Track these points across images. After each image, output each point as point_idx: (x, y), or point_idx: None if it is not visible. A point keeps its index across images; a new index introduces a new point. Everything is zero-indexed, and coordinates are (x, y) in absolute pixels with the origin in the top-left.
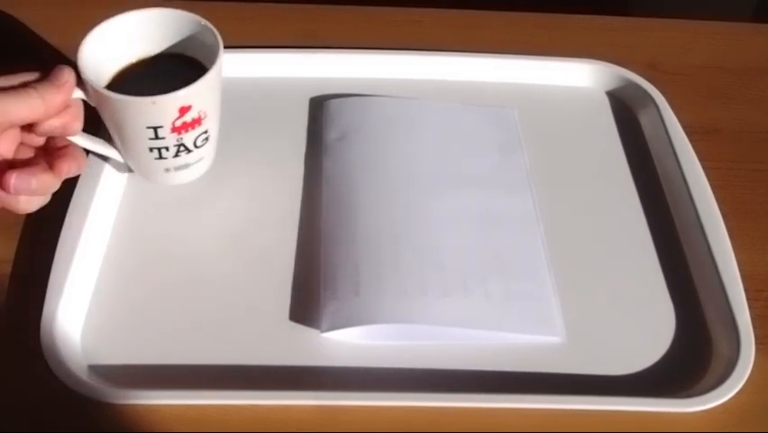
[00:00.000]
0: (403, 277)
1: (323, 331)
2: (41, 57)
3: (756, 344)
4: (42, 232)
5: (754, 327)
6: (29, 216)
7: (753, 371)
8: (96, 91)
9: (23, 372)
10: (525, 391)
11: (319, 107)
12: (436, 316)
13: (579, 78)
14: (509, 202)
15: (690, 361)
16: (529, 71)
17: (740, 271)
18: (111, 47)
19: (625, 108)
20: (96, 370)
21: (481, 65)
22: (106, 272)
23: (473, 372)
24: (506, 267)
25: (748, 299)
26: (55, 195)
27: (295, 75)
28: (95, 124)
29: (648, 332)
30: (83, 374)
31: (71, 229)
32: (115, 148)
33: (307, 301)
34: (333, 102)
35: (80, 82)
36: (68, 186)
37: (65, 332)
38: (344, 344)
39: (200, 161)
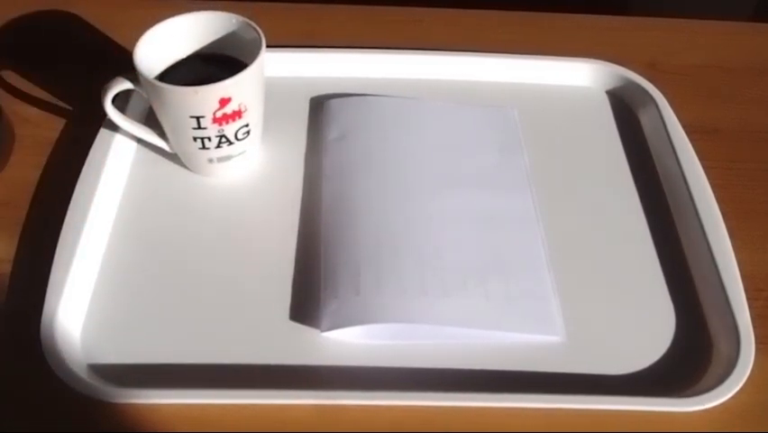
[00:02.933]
0: (403, 277)
1: (323, 330)
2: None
3: (756, 343)
4: (42, 232)
5: (754, 327)
6: (29, 215)
7: (753, 370)
8: (147, 82)
9: (23, 371)
10: (525, 390)
11: (319, 107)
12: (436, 315)
13: (579, 78)
14: (509, 202)
15: (690, 361)
16: (529, 71)
17: (740, 270)
18: (164, 45)
19: (625, 108)
20: (96, 369)
21: (481, 65)
22: (106, 272)
23: (473, 372)
24: (506, 266)
25: (748, 298)
26: (56, 195)
27: (295, 75)
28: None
29: (648, 332)
30: (83, 373)
31: (71, 229)
32: (165, 139)
33: (307, 301)
34: (334, 102)
35: (136, 75)
36: (68, 186)
37: (65, 331)
38: (344, 343)
39: (242, 155)
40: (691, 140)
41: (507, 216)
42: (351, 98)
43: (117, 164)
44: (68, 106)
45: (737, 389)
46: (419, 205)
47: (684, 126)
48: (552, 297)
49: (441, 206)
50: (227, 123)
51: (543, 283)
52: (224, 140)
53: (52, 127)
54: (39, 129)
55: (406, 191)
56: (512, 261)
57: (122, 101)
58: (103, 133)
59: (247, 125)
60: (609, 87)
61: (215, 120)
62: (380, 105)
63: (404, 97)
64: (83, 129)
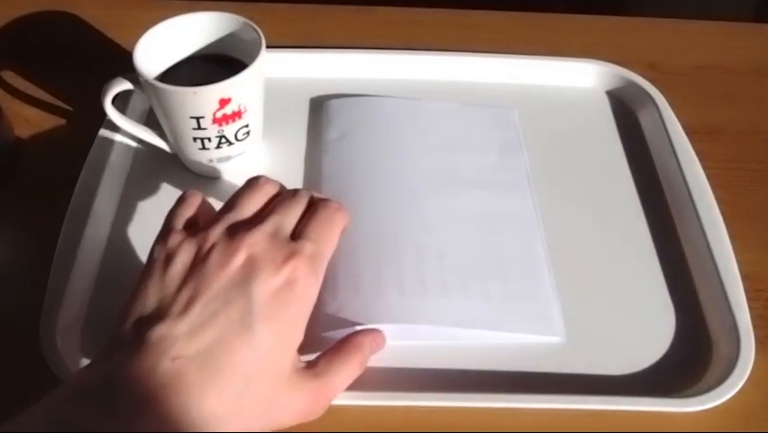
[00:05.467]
0: (403, 277)
1: (323, 331)
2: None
3: (756, 344)
4: (43, 232)
5: (754, 327)
6: (29, 215)
7: (753, 371)
8: (147, 82)
9: (23, 371)
10: (525, 391)
11: (319, 107)
12: (436, 316)
13: (579, 78)
14: (509, 202)
15: (690, 361)
16: (529, 71)
17: (740, 271)
18: (164, 45)
19: (625, 108)
20: None
21: (481, 65)
22: (106, 272)
23: (473, 372)
24: (506, 267)
25: (748, 299)
26: (56, 195)
27: (295, 75)
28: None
29: (648, 332)
30: None
31: (71, 229)
32: (165, 139)
33: None
34: (333, 102)
35: (136, 76)
36: (68, 186)
37: (65, 331)
38: None
39: (242, 155)
40: (691, 140)
41: (507, 216)
42: (351, 98)
43: (117, 164)
44: (68, 106)
45: (737, 389)
46: (419, 205)
47: (684, 127)
48: (552, 297)
49: (441, 206)
50: (227, 123)
51: (543, 284)
52: (223, 140)
53: (52, 127)
54: (39, 129)
55: (406, 191)
56: (512, 261)
57: (122, 101)
58: (103, 133)
59: (247, 126)
60: (610, 87)
61: (215, 120)
62: (380, 105)
63: (404, 98)
64: (83, 129)
